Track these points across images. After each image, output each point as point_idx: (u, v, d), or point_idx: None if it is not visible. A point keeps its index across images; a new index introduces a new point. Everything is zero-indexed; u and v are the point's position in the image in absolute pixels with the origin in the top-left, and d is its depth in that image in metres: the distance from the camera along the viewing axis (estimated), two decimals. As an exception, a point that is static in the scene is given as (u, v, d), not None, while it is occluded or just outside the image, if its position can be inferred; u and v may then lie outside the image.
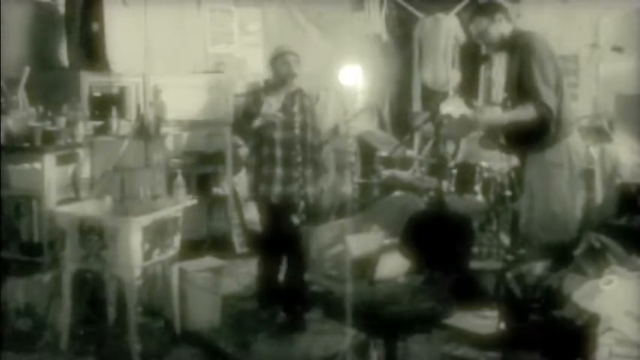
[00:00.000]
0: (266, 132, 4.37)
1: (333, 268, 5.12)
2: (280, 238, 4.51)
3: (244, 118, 4.45)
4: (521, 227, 4.40)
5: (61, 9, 5.68)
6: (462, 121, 4.22)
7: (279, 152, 4.39)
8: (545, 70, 4.01)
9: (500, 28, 4.18)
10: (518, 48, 4.12)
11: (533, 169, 4.21)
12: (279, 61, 4.40)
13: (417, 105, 7.47)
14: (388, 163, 6.30)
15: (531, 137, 4.09)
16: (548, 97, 3.99)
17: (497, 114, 4.23)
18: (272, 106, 4.30)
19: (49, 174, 4.47)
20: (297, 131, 4.42)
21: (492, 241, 5.56)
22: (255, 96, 4.41)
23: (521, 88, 4.07)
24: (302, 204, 4.45)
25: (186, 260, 4.43)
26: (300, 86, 4.48)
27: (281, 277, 4.65)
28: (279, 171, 4.40)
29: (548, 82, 4.01)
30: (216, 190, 6.12)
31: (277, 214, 4.44)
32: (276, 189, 4.40)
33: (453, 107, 4.21)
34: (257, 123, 4.31)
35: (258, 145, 4.45)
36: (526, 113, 4.02)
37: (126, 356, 3.92)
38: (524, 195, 4.40)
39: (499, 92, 6.38)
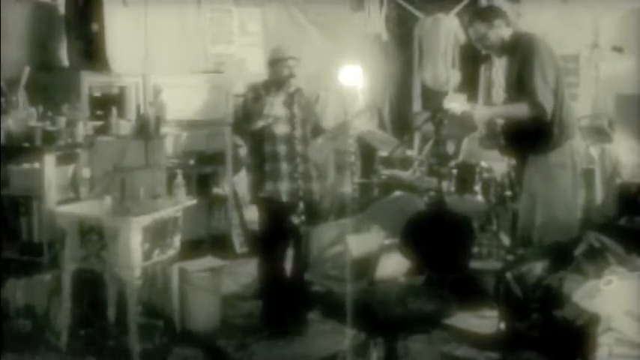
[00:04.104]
0: (268, 130, 4.35)
1: (333, 268, 5.11)
2: (285, 237, 4.49)
3: (245, 117, 4.42)
4: (521, 229, 4.40)
5: (61, 9, 5.68)
6: (464, 117, 4.23)
7: (282, 148, 4.37)
8: (545, 71, 4.01)
9: (499, 32, 4.16)
10: (520, 50, 4.11)
11: (536, 171, 4.21)
12: (280, 64, 4.37)
13: (417, 105, 7.48)
14: (388, 163, 6.31)
15: (533, 139, 4.09)
16: (545, 98, 3.99)
17: (490, 109, 4.24)
18: (274, 105, 4.29)
19: (49, 174, 4.47)
20: (298, 130, 4.41)
21: (492, 241, 5.56)
22: (256, 94, 4.38)
23: (520, 89, 4.08)
24: (301, 204, 4.44)
25: (186, 260, 4.43)
26: (299, 86, 4.47)
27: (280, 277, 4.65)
28: (284, 166, 4.37)
29: (547, 83, 4.01)
30: (216, 190, 6.12)
31: (282, 213, 4.42)
32: (284, 186, 4.36)
33: (455, 103, 4.21)
34: (260, 123, 4.29)
35: (259, 144, 4.42)
36: (519, 110, 4.02)
37: (126, 356, 3.92)
38: (524, 197, 4.40)
39: (499, 92, 6.39)
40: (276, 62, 4.39)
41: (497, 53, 4.35)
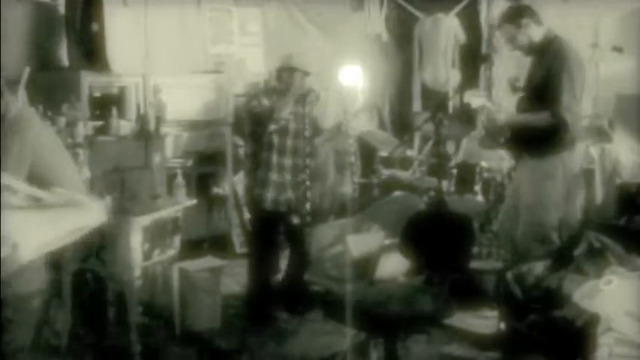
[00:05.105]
0: (268, 138, 4.34)
1: (333, 268, 5.12)
2: (271, 242, 4.50)
3: (255, 124, 4.42)
4: (499, 223, 4.44)
5: (61, 9, 5.67)
6: (480, 110, 4.25)
7: (276, 158, 4.37)
8: (574, 83, 3.96)
9: (528, 32, 4.09)
10: (550, 54, 4.06)
11: (526, 173, 4.22)
12: (288, 74, 4.37)
13: (417, 105, 7.49)
14: (388, 163, 6.31)
15: (532, 140, 4.07)
16: (569, 109, 3.94)
17: (512, 115, 4.23)
18: (282, 110, 4.29)
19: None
20: (295, 134, 4.41)
21: (492, 241, 5.56)
22: (258, 104, 4.37)
23: (543, 93, 4.02)
24: (307, 205, 4.44)
25: (186, 260, 4.43)
26: (310, 87, 4.44)
27: (277, 278, 4.66)
28: (274, 176, 4.37)
29: (574, 95, 3.97)
30: (216, 190, 6.12)
31: (269, 217, 4.43)
32: (271, 194, 4.37)
33: (476, 98, 4.23)
34: (272, 128, 4.29)
35: (257, 150, 4.42)
36: (541, 119, 4.00)
37: (126, 356, 3.92)
38: (509, 194, 4.42)
39: (499, 92, 6.39)
40: (284, 71, 4.38)
41: (527, 53, 4.26)
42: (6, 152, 2.22)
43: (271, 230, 4.48)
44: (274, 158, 4.36)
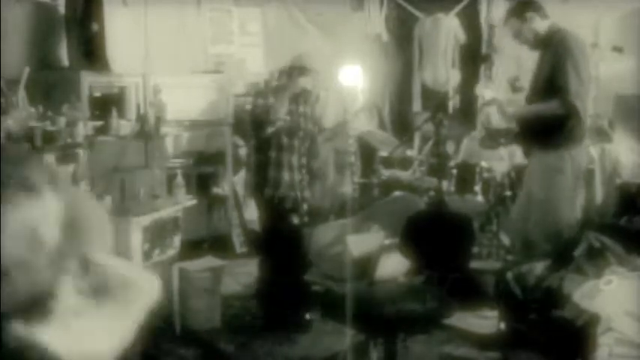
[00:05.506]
0: (276, 137, 4.35)
1: (333, 268, 5.12)
2: (284, 239, 4.50)
3: (255, 125, 4.42)
4: (513, 221, 4.43)
5: (61, 9, 5.67)
6: (492, 102, 4.27)
7: (285, 157, 4.38)
8: (580, 70, 3.98)
9: (533, 26, 4.14)
10: (553, 46, 4.09)
11: (536, 167, 4.22)
12: (302, 73, 4.38)
13: (417, 105, 7.48)
14: (388, 163, 6.30)
15: (545, 132, 4.07)
16: (578, 96, 3.96)
17: (523, 107, 4.25)
18: (278, 111, 4.29)
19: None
20: (301, 134, 4.41)
21: (492, 241, 5.56)
22: (262, 103, 4.37)
23: (551, 85, 4.04)
24: (305, 205, 4.44)
25: (186, 260, 4.43)
26: (306, 86, 4.45)
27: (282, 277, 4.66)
28: (285, 175, 4.37)
29: (582, 82, 3.99)
30: (216, 190, 6.12)
31: (280, 215, 4.43)
32: (281, 192, 4.38)
33: (488, 90, 4.24)
34: (270, 130, 4.29)
35: (265, 148, 4.42)
36: (551, 108, 4.01)
37: (126, 356, 3.91)
38: (522, 192, 4.42)
39: (499, 92, 6.38)
40: (295, 69, 4.38)
41: (532, 47, 4.29)
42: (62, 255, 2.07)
43: (281, 229, 4.47)
44: (284, 157, 4.36)
